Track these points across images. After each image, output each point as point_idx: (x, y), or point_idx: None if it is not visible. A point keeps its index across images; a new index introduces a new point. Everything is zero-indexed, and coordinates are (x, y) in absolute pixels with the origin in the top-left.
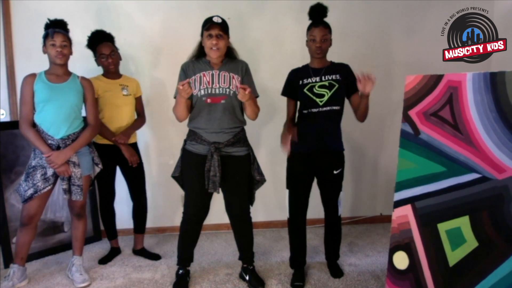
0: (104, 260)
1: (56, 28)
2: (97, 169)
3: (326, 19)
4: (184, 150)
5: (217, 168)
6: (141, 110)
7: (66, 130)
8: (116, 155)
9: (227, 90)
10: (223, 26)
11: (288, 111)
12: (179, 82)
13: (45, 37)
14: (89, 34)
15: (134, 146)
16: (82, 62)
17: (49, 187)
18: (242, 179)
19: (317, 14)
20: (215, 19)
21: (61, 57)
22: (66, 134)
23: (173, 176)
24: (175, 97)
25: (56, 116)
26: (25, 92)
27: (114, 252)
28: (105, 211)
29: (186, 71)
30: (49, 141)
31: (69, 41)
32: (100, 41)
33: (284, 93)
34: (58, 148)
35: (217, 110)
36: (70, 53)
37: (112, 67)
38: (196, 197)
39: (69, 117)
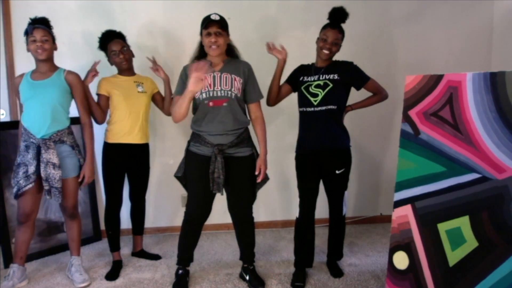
0: (111, 276)
1: (36, 25)
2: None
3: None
4: (187, 151)
5: (220, 170)
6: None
7: (47, 129)
8: (127, 155)
9: (229, 92)
10: (222, 24)
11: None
12: (193, 66)
13: (26, 35)
14: (89, 33)
15: (145, 147)
16: (80, 60)
17: (30, 186)
18: (245, 179)
19: (337, 17)
20: (213, 17)
21: (42, 52)
22: (47, 133)
23: (176, 176)
24: (176, 94)
25: (36, 114)
26: (16, 95)
27: (118, 266)
28: (110, 219)
29: (188, 75)
30: (31, 140)
31: (50, 36)
32: (110, 39)
33: (285, 80)
34: (38, 148)
35: (219, 113)
36: (54, 48)
37: (125, 63)
38: (199, 197)
39: (50, 115)
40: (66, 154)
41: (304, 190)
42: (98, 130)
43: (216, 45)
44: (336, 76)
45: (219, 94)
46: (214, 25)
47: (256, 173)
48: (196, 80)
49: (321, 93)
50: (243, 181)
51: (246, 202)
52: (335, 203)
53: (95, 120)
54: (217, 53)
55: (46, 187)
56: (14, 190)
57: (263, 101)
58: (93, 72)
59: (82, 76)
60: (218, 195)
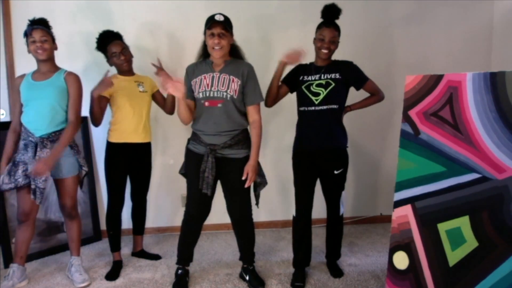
0: (111, 276)
1: (35, 25)
2: (83, 172)
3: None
4: (187, 149)
5: (210, 170)
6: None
7: (45, 129)
8: (130, 154)
9: (224, 94)
10: (226, 24)
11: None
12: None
13: (26, 36)
14: (88, 33)
15: (148, 146)
16: (80, 61)
17: (29, 184)
18: (241, 181)
19: (330, 14)
20: (217, 17)
21: (42, 52)
22: (45, 133)
23: (181, 173)
24: None
25: (35, 114)
26: (14, 95)
27: (118, 266)
28: (112, 219)
29: (189, 75)
30: (30, 138)
31: (49, 36)
32: (110, 41)
33: (282, 80)
34: (35, 146)
35: (214, 113)
36: (54, 48)
37: (126, 64)
38: (198, 196)
39: (48, 115)
40: (64, 154)
41: (301, 188)
42: (100, 130)
43: (219, 47)
44: (337, 75)
45: (215, 94)
46: (218, 26)
47: (243, 178)
48: (174, 89)
49: (323, 92)
50: (238, 183)
51: (242, 203)
52: (333, 203)
53: (93, 123)
54: (220, 55)
55: (32, 186)
56: (12, 185)
57: (261, 102)
58: (109, 83)
59: (82, 77)
60: (218, 195)
